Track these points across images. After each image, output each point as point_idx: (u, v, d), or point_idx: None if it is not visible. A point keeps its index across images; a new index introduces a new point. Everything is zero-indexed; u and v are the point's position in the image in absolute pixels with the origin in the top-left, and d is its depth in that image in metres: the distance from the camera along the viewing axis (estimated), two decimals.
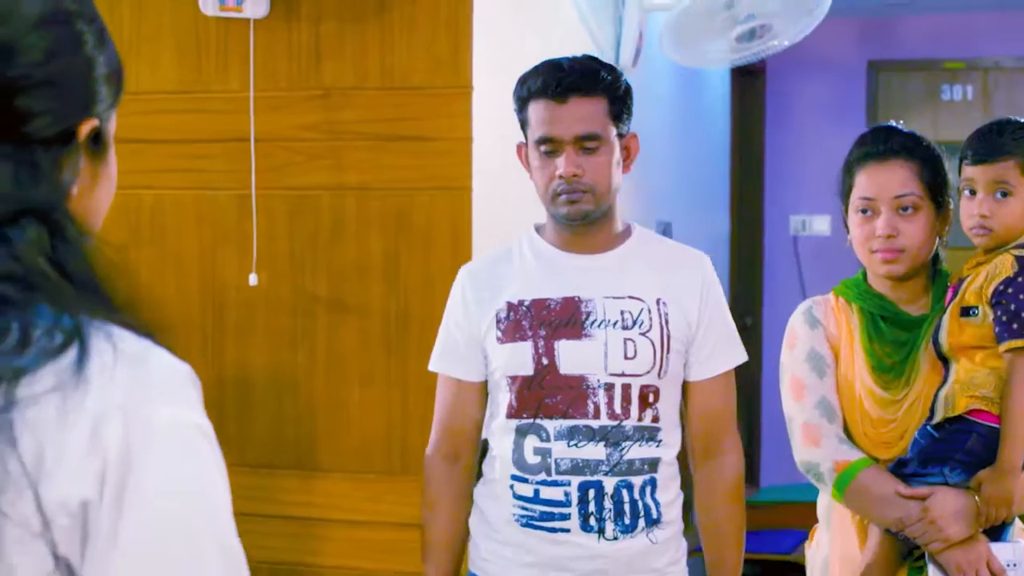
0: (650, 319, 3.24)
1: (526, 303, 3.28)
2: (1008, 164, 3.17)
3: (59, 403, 1.36)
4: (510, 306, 3.29)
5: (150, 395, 1.43)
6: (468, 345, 3.35)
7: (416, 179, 4.23)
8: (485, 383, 3.37)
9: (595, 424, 3.21)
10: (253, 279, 4.32)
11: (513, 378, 3.26)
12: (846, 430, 3.31)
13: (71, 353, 1.38)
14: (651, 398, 3.24)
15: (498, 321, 3.29)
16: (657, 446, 3.25)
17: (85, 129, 1.54)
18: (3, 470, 1.31)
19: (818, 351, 3.36)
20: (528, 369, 3.24)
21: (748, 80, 9.09)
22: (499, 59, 4.35)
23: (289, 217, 4.36)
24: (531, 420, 3.24)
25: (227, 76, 4.40)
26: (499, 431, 3.31)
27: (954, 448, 3.14)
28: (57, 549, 1.33)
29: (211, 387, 4.40)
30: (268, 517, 4.37)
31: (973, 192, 3.21)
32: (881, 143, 3.32)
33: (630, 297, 3.26)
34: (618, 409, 3.22)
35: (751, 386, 8.67)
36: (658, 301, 3.26)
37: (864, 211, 3.31)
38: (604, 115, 3.22)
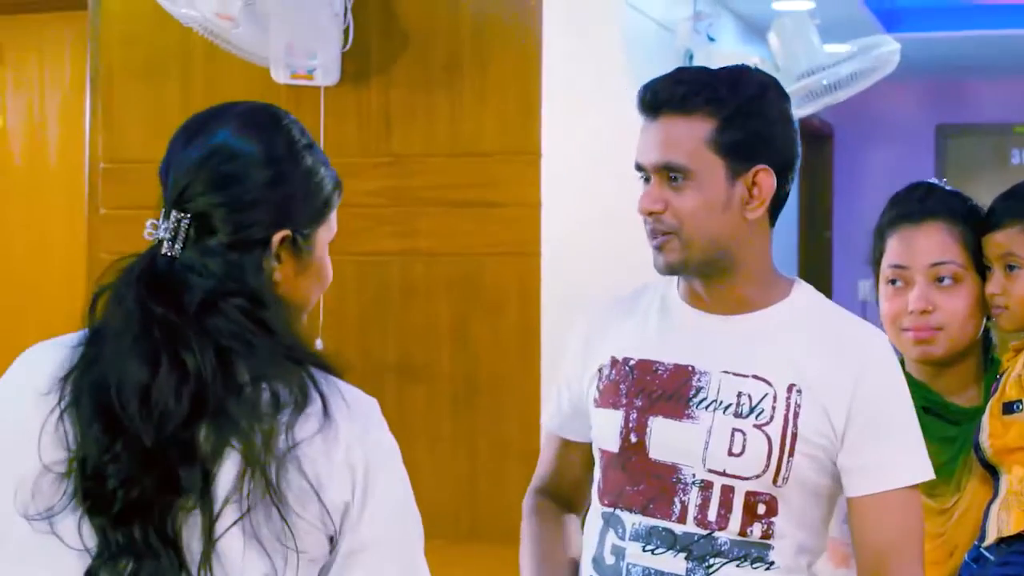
0: (773, 409, 2.48)
1: (632, 363, 2.59)
2: (1013, 231, 2.75)
3: (321, 440, 1.96)
4: (614, 363, 2.62)
5: (370, 424, 2.07)
6: (572, 400, 2.73)
7: (485, 244, 4.24)
8: (590, 446, 2.72)
9: (678, 529, 2.51)
10: (319, 344, 4.34)
11: (602, 453, 2.63)
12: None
13: (317, 402, 1.98)
14: (761, 509, 2.48)
15: (599, 379, 2.64)
16: (766, 570, 2.50)
17: (277, 238, 2.06)
18: (299, 488, 1.92)
19: None
20: (614, 444, 2.58)
21: (816, 144, 9.08)
22: (568, 125, 4.36)
23: (358, 282, 4.38)
24: (611, 509, 2.59)
25: None
26: (591, 513, 2.68)
27: (1014, 575, 2.60)
28: (330, 533, 1.97)
29: None
30: None
31: None
32: (916, 202, 2.84)
33: (755, 377, 2.50)
34: (711, 516, 2.49)
35: None
36: (790, 388, 2.49)
37: (894, 281, 2.83)
38: (701, 141, 2.47)
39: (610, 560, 2.57)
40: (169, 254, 1.98)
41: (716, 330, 2.56)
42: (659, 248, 2.51)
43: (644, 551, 2.51)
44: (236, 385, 1.92)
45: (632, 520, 2.53)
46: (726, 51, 5.87)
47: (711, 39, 5.86)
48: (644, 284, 2.72)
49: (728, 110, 2.47)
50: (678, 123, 2.47)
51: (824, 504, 2.55)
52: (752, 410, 2.48)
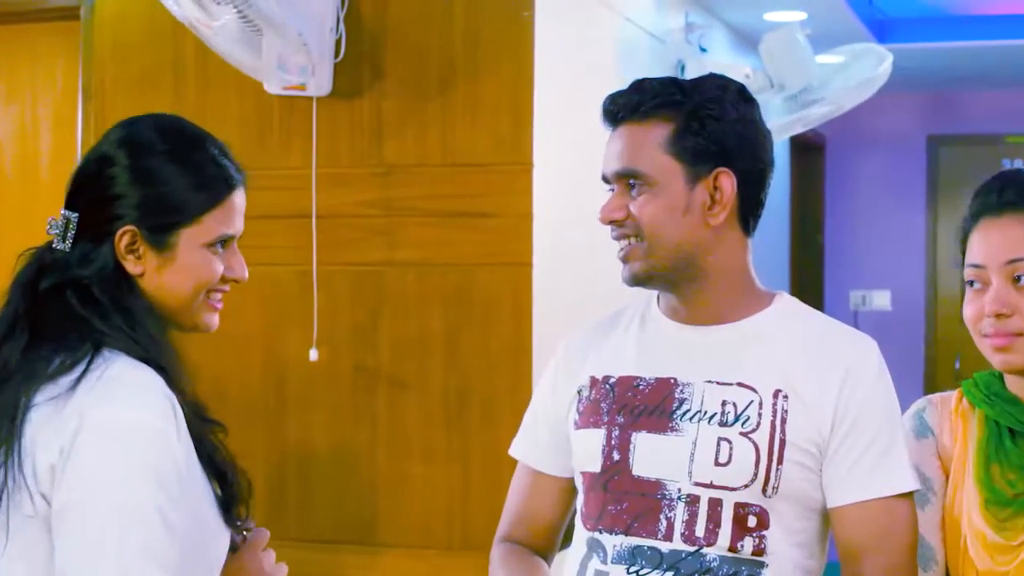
0: (759, 416, 2.39)
1: (612, 380, 2.52)
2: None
3: (52, 406, 2.09)
4: (594, 382, 2.55)
5: (111, 400, 2.09)
6: (552, 429, 2.63)
7: (477, 255, 4.24)
8: (571, 481, 2.62)
9: (664, 547, 2.39)
10: (314, 354, 4.34)
11: (584, 476, 2.52)
12: None
13: (75, 374, 2.10)
14: (752, 522, 2.38)
15: (579, 401, 2.56)
16: None
17: (118, 235, 2.21)
18: (23, 443, 2.08)
19: (923, 471, 2.52)
20: (596, 464, 2.48)
21: (808, 155, 9.09)
22: (560, 136, 4.37)
23: (350, 293, 4.38)
24: (593, 533, 2.48)
25: (289, 153, 4.43)
26: (575, 544, 2.56)
27: None
28: (42, 491, 2.06)
29: (272, 462, 4.43)
30: None
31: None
32: (995, 193, 2.49)
33: (739, 384, 2.43)
34: (699, 531, 2.38)
35: None
36: (776, 393, 2.40)
37: (972, 283, 2.49)
38: (659, 146, 2.44)
39: None
40: (58, 247, 2.23)
41: (697, 341, 2.50)
42: (624, 258, 2.48)
43: (629, 573, 2.40)
44: (32, 356, 2.16)
45: (615, 542, 2.42)
46: (718, 61, 5.88)
47: (703, 50, 5.87)
48: (625, 304, 2.67)
49: (684, 114, 2.44)
50: (636, 130, 2.47)
51: (819, 521, 2.45)
52: (738, 418, 2.40)
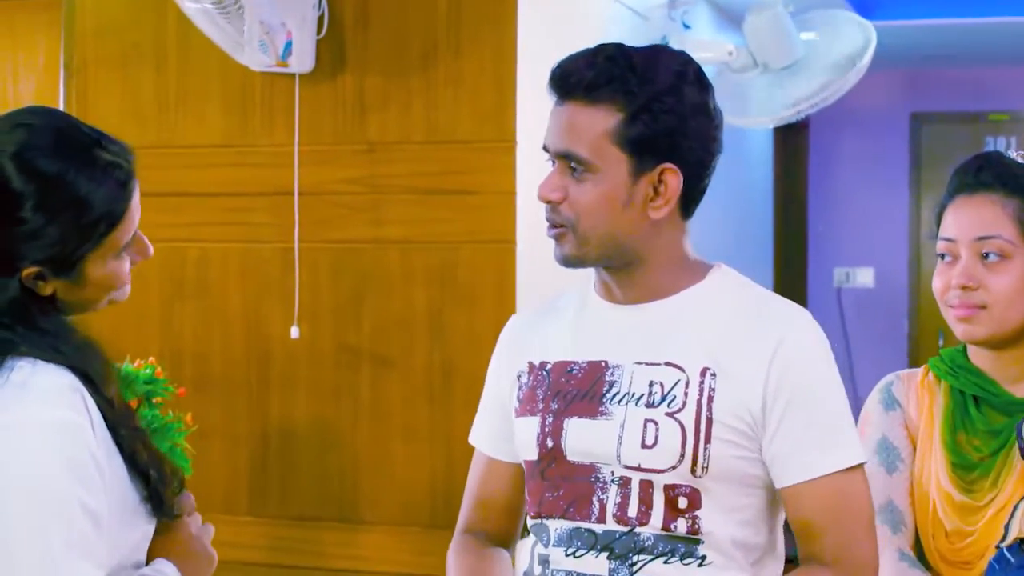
0: (685, 395, 2.34)
1: (548, 366, 2.49)
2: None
3: None
4: (531, 368, 2.52)
5: (18, 403, 2.05)
6: (501, 415, 2.60)
7: (460, 233, 4.24)
8: (520, 468, 2.59)
9: (598, 529, 2.38)
10: (295, 332, 4.34)
11: (526, 464, 2.51)
12: (918, 543, 2.63)
13: None
14: (683, 503, 2.34)
15: (519, 388, 2.54)
16: (699, 566, 2.35)
17: (24, 275, 2.14)
18: None
19: (891, 441, 2.67)
20: (533, 452, 2.46)
21: (790, 133, 9.09)
22: (543, 113, 4.35)
23: (332, 270, 4.37)
24: (538, 520, 2.46)
25: (272, 130, 4.42)
26: (529, 527, 2.55)
27: None
28: None
29: (254, 439, 4.43)
30: (311, 569, 4.37)
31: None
32: (972, 173, 2.63)
33: (667, 364, 2.37)
34: (631, 512, 2.35)
35: None
36: (703, 372, 2.35)
37: (944, 256, 2.64)
38: (605, 134, 2.34)
39: (537, 571, 2.44)
40: None
41: (628, 321, 2.43)
42: (556, 238, 2.41)
43: (567, 555, 2.39)
44: None
45: (555, 526, 2.41)
46: (701, 39, 5.86)
47: (686, 26, 5.86)
48: (568, 286, 2.62)
49: (636, 104, 2.33)
50: (583, 112, 2.36)
51: (764, 498, 2.38)
52: (664, 398, 2.35)
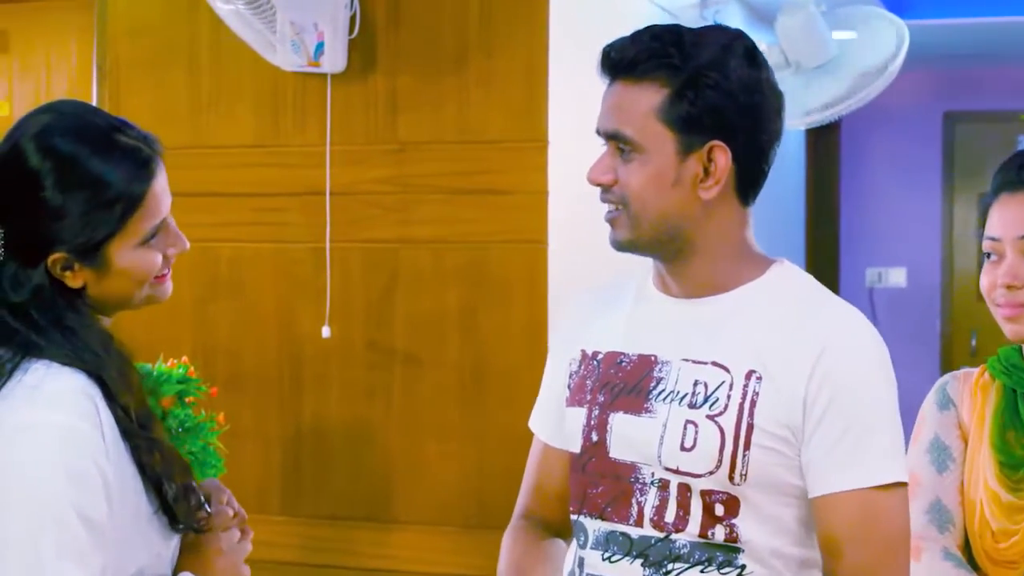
0: (728, 398, 2.25)
1: (600, 356, 2.42)
2: None
3: None
4: (583, 357, 2.45)
5: (23, 407, 2.06)
6: (557, 400, 2.51)
7: (492, 232, 4.24)
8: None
9: (634, 533, 2.30)
10: (326, 331, 4.34)
11: (571, 456, 2.44)
12: (967, 546, 2.58)
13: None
14: (719, 510, 2.25)
15: (571, 376, 2.47)
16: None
17: (51, 262, 2.16)
18: None
19: (943, 440, 2.63)
20: (577, 445, 2.39)
21: (822, 133, 9.06)
22: (575, 112, 4.35)
23: (364, 270, 4.38)
24: (577, 516, 2.40)
25: (304, 130, 4.43)
26: None
27: None
28: None
29: (287, 438, 4.43)
30: (344, 569, 4.37)
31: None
32: (1015, 170, 2.61)
33: (713, 363, 2.28)
34: (668, 517, 2.27)
35: None
36: (749, 374, 2.25)
37: (989, 255, 2.59)
38: (651, 112, 2.27)
39: (576, 574, 2.38)
40: None
41: (681, 315, 2.35)
42: (610, 223, 2.34)
43: (603, 560, 2.32)
44: None
45: (593, 527, 2.35)
46: None
47: None
48: (628, 273, 2.52)
49: (680, 80, 2.25)
50: (629, 90, 2.29)
51: (802, 506, 2.27)
52: (706, 399, 2.26)
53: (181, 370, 3.75)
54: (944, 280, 9.05)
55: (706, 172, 2.28)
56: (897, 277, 9.02)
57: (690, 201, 2.29)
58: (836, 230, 9.37)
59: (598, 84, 4.49)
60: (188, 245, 2.30)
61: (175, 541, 2.24)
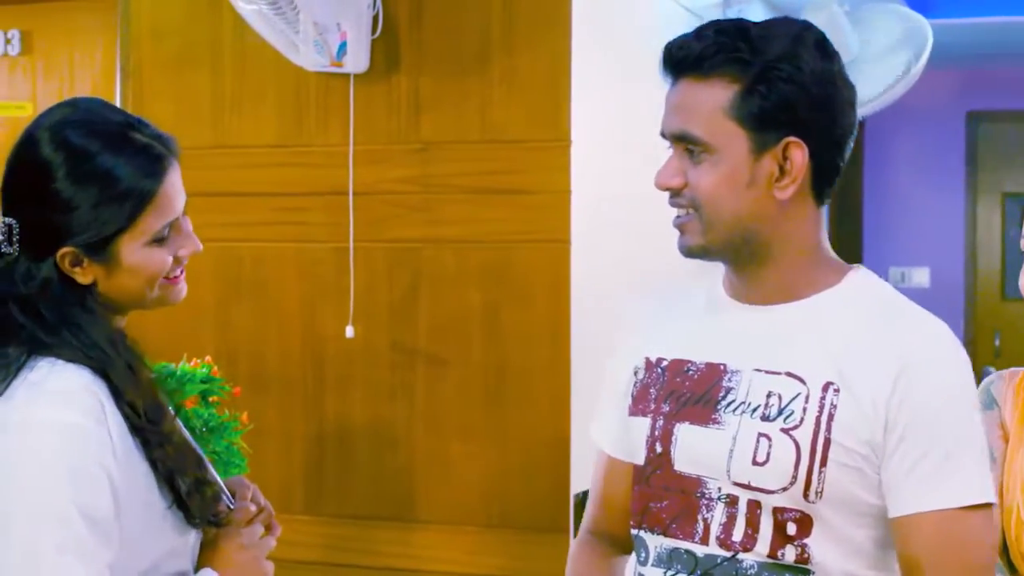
0: (803, 411, 2.11)
1: (664, 363, 2.28)
2: None
3: None
4: (648, 365, 2.31)
5: (26, 405, 2.07)
6: (617, 408, 2.37)
7: (515, 232, 4.24)
8: None
9: (699, 551, 2.17)
10: (350, 331, 4.34)
11: (633, 468, 2.30)
12: (1004, 548, 2.51)
13: (5, 382, 2.09)
14: (791, 529, 2.11)
15: (634, 384, 2.33)
16: None
17: (59, 256, 2.15)
18: None
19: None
20: (641, 456, 2.26)
21: None
22: (597, 112, 4.35)
23: (387, 270, 4.38)
24: (637, 531, 2.27)
25: (327, 130, 4.43)
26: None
27: None
28: None
29: (310, 438, 4.44)
30: (366, 568, 4.38)
31: None
32: None
33: (788, 374, 2.15)
34: (736, 535, 2.14)
35: None
36: (827, 387, 2.11)
37: None
38: (720, 109, 2.13)
39: None
40: (6, 250, 2.18)
41: (753, 323, 2.21)
42: (680, 228, 2.20)
43: None
44: None
45: (655, 543, 2.22)
46: None
47: None
48: (698, 279, 2.35)
49: (751, 74, 2.11)
50: (696, 88, 2.14)
51: (879, 527, 2.13)
52: (781, 412, 2.12)
53: (204, 370, 3.76)
54: (967, 280, 9.02)
55: (781, 171, 2.15)
56: (920, 277, 8.99)
57: (765, 202, 2.16)
58: (859, 230, 9.34)
59: (621, 83, 4.48)
60: (200, 247, 2.29)
61: (193, 536, 2.24)
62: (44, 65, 5.40)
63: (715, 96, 2.12)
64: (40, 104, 5.41)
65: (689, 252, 2.21)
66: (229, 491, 2.37)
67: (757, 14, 6.46)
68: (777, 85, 2.11)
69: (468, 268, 4.30)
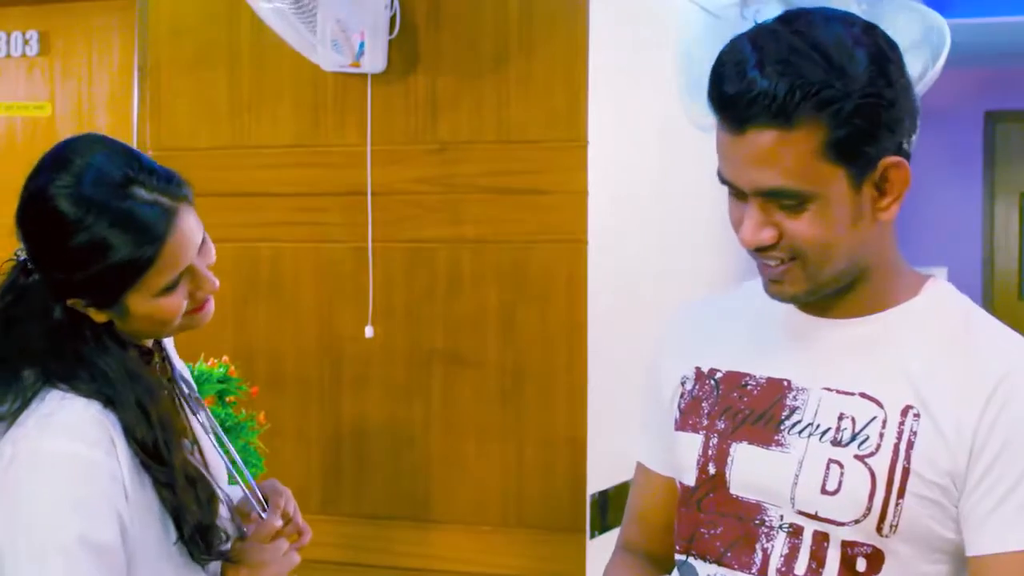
0: (880, 437, 1.94)
1: (718, 375, 2.13)
2: None
3: None
4: (699, 375, 2.15)
5: (38, 432, 2.09)
6: (659, 420, 2.23)
7: (532, 232, 4.23)
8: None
9: None
10: (369, 331, 4.35)
11: (680, 487, 2.15)
12: None
13: (17, 410, 2.10)
14: (861, 565, 1.95)
15: (681, 396, 2.17)
16: None
17: (70, 304, 2.18)
18: None
19: None
20: (690, 477, 2.11)
21: None
22: (615, 112, 4.35)
23: (405, 270, 4.38)
24: (684, 557, 2.11)
25: (344, 130, 4.44)
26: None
27: None
28: None
29: (327, 438, 4.44)
30: (383, 568, 4.38)
31: None
32: None
33: (862, 395, 1.98)
34: (799, 569, 1.97)
35: None
36: (906, 411, 1.95)
37: None
38: (812, 155, 1.89)
39: None
40: (31, 268, 2.21)
41: (822, 337, 2.05)
42: (777, 282, 2.01)
43: None
44: None
45: (706, 571, 2.06)
46: None
47: None
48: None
49: (845, 112, 1.88)
50: (781, 138, 1.89)
51: (954, 563, 1.98)
52: (855, 437, 1.95)
53: (221, 369, 3.77)
54: (985, 280, 9.01)
55: (879, 191, 1.99)
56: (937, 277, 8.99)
57: (871, 228, 2.00)
58: None
59: (638, 84, 4.49)
60: (217, 285, 2.28)
61: (212, 565, 2.26)
62: (62, 65, 5.42)
63: (806, 142, 1.90)
64: (59, 105, 5.43)
65: (791, 299, 2.05)
66: (263, 496, 2.38)
67: (775, 14, 6.43)
68: (876, 113, 1.92)
69: (485, 268, 4.29)
